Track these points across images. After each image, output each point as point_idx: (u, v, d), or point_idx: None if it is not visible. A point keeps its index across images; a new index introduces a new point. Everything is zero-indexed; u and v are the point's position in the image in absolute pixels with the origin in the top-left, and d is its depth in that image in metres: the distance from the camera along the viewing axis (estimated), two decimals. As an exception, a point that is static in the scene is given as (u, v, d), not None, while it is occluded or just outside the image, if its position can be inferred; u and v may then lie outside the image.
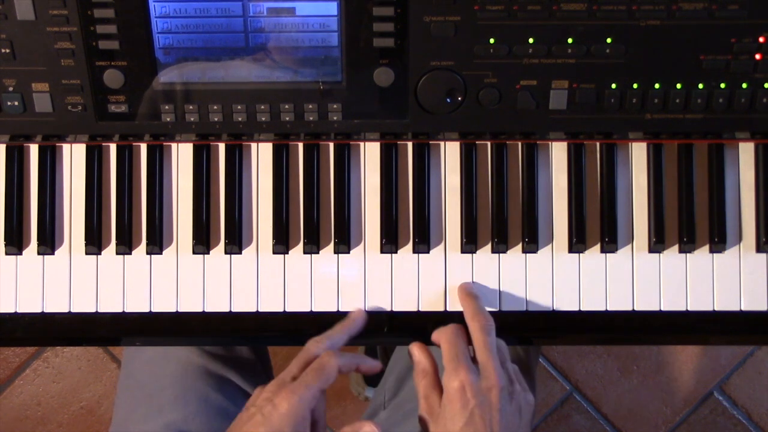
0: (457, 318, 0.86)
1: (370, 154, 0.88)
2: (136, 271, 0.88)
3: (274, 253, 0.88)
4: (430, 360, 0.83)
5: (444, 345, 0.81)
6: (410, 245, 0.88)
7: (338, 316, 0.88)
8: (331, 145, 0.88)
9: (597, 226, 0.88)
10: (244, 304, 0.88)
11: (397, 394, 1.04)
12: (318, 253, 0.88)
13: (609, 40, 0.79)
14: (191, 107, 0.82)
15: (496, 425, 0.77)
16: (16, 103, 0.81)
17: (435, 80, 0.81)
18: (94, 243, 0.87)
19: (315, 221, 0.87)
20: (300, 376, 0.79)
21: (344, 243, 0.87)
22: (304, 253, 0.88)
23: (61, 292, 0.88)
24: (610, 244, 0.87)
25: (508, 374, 0.80)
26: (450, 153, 0.88)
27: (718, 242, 0.87)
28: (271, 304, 0.88)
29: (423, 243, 0.87)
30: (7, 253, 0.88)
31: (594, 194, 0.88)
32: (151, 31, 0.79)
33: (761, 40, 0.78)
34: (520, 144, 0.88)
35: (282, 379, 0.79)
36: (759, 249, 0.87)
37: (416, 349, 0.84)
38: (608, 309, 0.88)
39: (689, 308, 0.87)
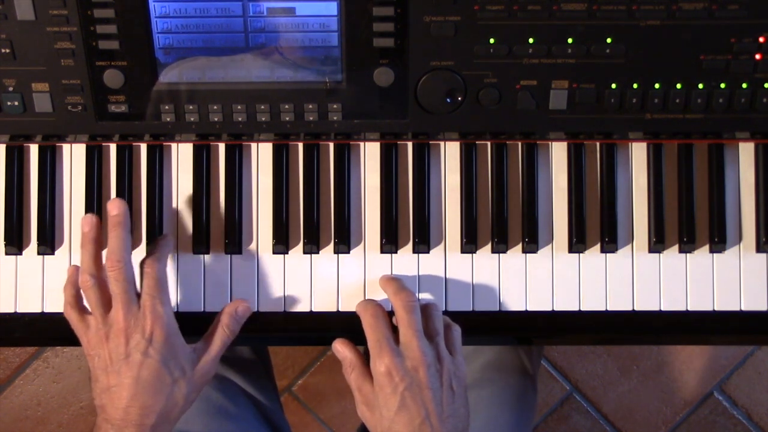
0: (456, 318, 0.86)
1: (370, 154, 0.88)
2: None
3: (274, 253, 0.88)
4: (354, 352, 0.82)
5: (366, 330, 0.80)
6: (410, 245, 0.88)
7: (338, 316, 0.88)
8: (331, 145, 0.88)
9: (597, 226, 0.88)
10: (244, 304, 0.88)
11: None
12: (318, 253, 0.88)
13: (609, 40, 0.79)
14: (191, 107, 0.82)
15: (430, 403, 0.76)
16: (16, 103, 0.81)
17: (435, 80, 0.81)
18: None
19: (315, 221, 0.87)
20: (142, 297, 0.80)
21: (344, 243, 0.87)
22: (304, 253, 0.88)
23: (60, 292, 0.87)
24: (610, 244, 0.87)
25: (436, 350, 0.79)
26: (450, 153, 0.88)
27: (718, 242, 0.87)
28: (271, 304, 0.88)
29: (423, 243, 0.87)
30: (7, 253, 0.88)
31: (594, 194, 0.88)
32: (151, 31, 0.79)
33: (761, 40, 0.78)
34: (520, 144, 0.88)
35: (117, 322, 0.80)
36: (759, 249, 0.87)
37: (338, 345, 0.83)
38: (608, 309, 0.88)
39: (689, 308, 0.87)
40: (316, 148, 0.88)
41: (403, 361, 0.77)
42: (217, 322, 0.85)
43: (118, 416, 0.78)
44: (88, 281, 0.80)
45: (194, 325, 0.86)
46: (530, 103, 0.82)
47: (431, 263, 0.88)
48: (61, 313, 0.87)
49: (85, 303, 0.83)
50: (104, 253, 0.82)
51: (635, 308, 0.88)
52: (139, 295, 0.81)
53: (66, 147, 0.88)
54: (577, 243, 0.87)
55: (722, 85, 0.80)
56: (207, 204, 0.88)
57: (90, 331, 0.81)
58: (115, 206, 0.82)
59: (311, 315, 0.88)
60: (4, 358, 1.77)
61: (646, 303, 0.87)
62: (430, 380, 0.77)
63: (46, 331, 0.89)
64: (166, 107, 0.82)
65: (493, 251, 0.87)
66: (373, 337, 0.79)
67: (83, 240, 0.82)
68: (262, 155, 0.88)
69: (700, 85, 0.80)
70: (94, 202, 0.87)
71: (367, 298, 0.87)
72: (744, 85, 0.80)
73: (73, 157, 0.88)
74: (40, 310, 0.88)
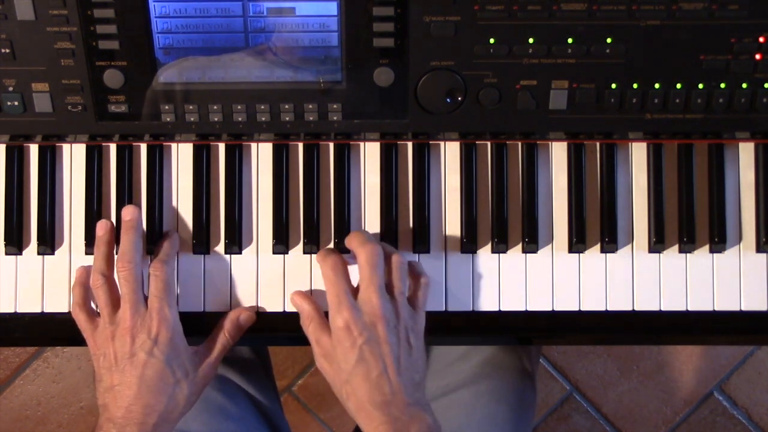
0: (455, 318, 0.85)
1: (370, 154, 0.88)
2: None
3: (274, 253, 0.88)
4: (312, 304, 0.83)
5: (325, 283, 0.81)
6: (410, 245, 0.88)
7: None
8: (331, 145, 0.88)
9: (597, 226, 0.87)
10: (244, 303, 0.88)
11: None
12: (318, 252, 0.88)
13: (609, 40, 0.79)
14: (191, 107, 0.82)
15: (388, 357, 0.77)
16: (16, 103, 0.81)
17: (435, 80, 0.81)
18: (94, 243, 0.86)
19: (315, 221, 0.87)
20: (149, 299, 0.82)
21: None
22: (304, 253, 0.88)
23: (61, 292, 0.88)
24: (610, 244, 0.87)
25: (394, 304, 0.79)
26: (450, 153, 0.88)
27: (718, 242, 0.87)
28: (271, 303, 0.88)
29: (423, 243, 0.87)
30: (7, 253, 0.88)
31: (594, 194, 0.88)
32: (151, 31, 0.79)
33: (761, 40, 0.78)
34: (520, 144, 0.88)
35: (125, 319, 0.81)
36: (759, 249, 0.87)
37: (296, 297, 0.84)
38: (608, 309, 0.88)
39: (689, 308, 0.87)
40: (316, 148, 0.88)
41: (362, 316, 0.78)
42: (220, 327, 0.86)
43: (120, 415, 0.78)
44: (99, 280, 0.82)
45: (194, 325, 0.86)
46: (530, 103, 0.82)
47: (431, 263, 0.87)
48: (61, 313, 0.87)
49: (93, 304, 0.84)
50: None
51: (635, 308, 0.88)
52: (146, 297, 0.82)
53: (66, 147, 0.88)
54: (577, 243, 0.87)
55: (722, 85, 0.80)
56: (207, 204, 0.88)
57: (96, 331, 0.82)
58: (128, 212, 0.85)
59: (311, 315, 0.88)
60: (4, 358, 1.77)
61: (646, 303, 0.87)
62: (388, 335, 0.78)
63: (46, 331, 0.89)
64: (166, 107, 0.82)
65: (493, 251, 0.87)
66: (332, 290, 0.80)
67: (97, 242, 0.85)
68: (262, 155, 0.88)
69: (700, 85, 0.80)
70: (94, 202, 0.87)
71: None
72: (744, 85, 0.80)
73: (73, 157, 0.88)
74: (40, 310, 0.88)
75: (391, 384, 0.77)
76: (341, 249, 0.86)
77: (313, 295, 0.86)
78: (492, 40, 0.79)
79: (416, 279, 0.83)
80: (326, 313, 0.82)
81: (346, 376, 0.78)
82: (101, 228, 0.86)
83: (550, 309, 0.87)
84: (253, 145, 0.88)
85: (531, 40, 0.79)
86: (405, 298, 0.81)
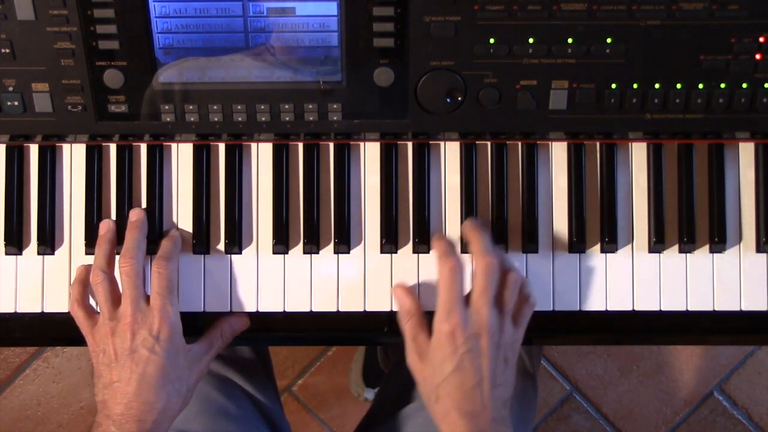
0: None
1: (370, 154, 0.88)
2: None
3: (274, 253, 0.88)
4: (414, 301, 0.83)
5: (441, 283, 0.80)
6: (410, 245, 0.88)
7: (338, 316, 0.88)
8: (331, 145, 0.88)
9: (597, 226, 0.88)
10: (244, 304, 0.88)
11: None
12: (318, 253, 0.88)
13: (609, 40, 0.79)
14: (191, 107, 0.82)
15: (486, 371, 0.77)
16: (16, 103, 0.81)
17: (435, 80, 0.81)
18: (94, 243, 0.86)
19: (315, 221, 0.87)
20: (152, 296, 0.82)
21: (344, 243, 0.87)
22: (304, 253, 0.88)
23: (61, 292, 0.88)
24: (610, 244, 0.87)
25: (501, 320, 0.79)
26: (450, 153, 0.88)
27: (718, 242, 0.87)
28: (271, 303, 0.88)
29: (423, 243, 0.87)
30: (7, 253, 0.88)
31: (594, 194, 0.88)
32: (151, 31, 0.79)
33: (761, 40, 0.78)
34: (520, 144, 0.88)
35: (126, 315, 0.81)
36: (759, 249, 0.87)
37: (400, 291, 0.84)
38: (608, 309, 0.88)
39: (689, 308, 0.87)
40: (316, 148, 0.88)
41: (469, 326, 0.78)
42: (216, 327, 0.86)
43: (119, 411, 0.78)
44: (99, 276, 0.83)
45: (194, 325, 0.87)
46: (530, 103, 0.82)
47: (431, 263, 0.87)
48: (61, 313, 0.87)
49: (92, 301, 0.84)
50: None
51: (635, 308, 0.88)
52: (148, 295, 0.83)
53: (66, 147, 0.88)
54: (578, 243, 0.87)
55: (722, 85, 0.80)
56: (207, 204, 0.88)
57: (95, 328, 0.83)
58: (134, 213, 0.86)
59: (311, 315, 0.88)
60: (4, 358, 1.77)
61: (646, 303, 0.87)
62: (489, 349, 0.78)
63: (46, 331, 0.89)
64: (166, 107, 0.82)
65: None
66: (447, 294, 0.79)
67: (99, 240, 0.85)
68: (262, 155, 0.88)
69: (700, 85, 0.80)
70: (94, 202, 0.87)
71: (368, 297, 0.87)
72: (744, 85, 0.80)
73: (73, 157, 0.88)
74: (40, 310, 0.88)
75: (483, 397, 0.77)
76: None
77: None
78: (492, 40, 0.79)
79: (524, 297, 0.83)
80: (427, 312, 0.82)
81: (439, 381, 0.78)
82: (104, 227, 0.86)
83: (550, 309, 0.87)
84: (253, 145, 0.88)
85: (531, 40, 0.79)
86: (511, 315, 0.81)
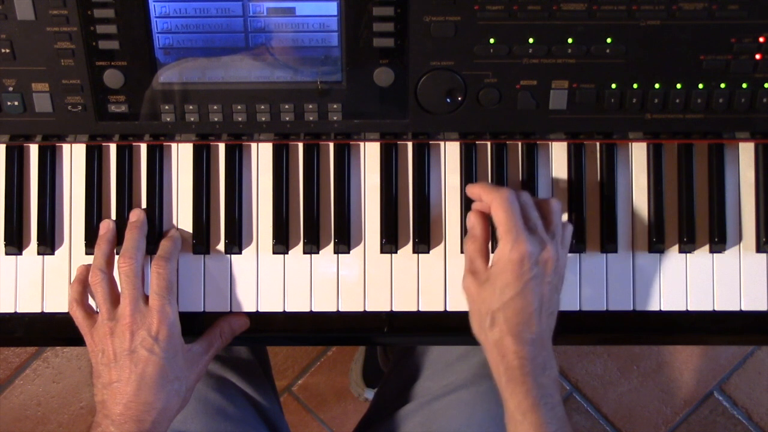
0: (456, 318, 0.85)
1: (370, 154, 0.88)
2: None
3: (274, 253, 0.88)
4: (484, 229, 0.82)
5: (500, 214, 0.79)
6: (410, 245, 0.88)
7: (338, 316, 0.88)
8: (331, 145, 0.88)
9: (597, 226, 0.87)
10: (244, 304, 0.88)
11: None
12: (318, 253, 0.88)
13: (609, 40, 0.79)
14: (191, 107, 0.82)
15: (546, 297, 0.78)
16: (16, 103, 0.81)
17: (435, 80, 0.81)
18: (94, 243, 0.86)
19: (315, 221, 0.87)
20: (150, 296, 0.82)
21: (344, 243, 0.87)
22: (304, 253, 0.88)
23: (61, 293, 0.88)
24: (610, 244, 0.87)
25: (556, 248, 0.79)
26: (450, 153, 0.88)
27: (718, 242, 0.87)
28: (270, 304, 0.88)
29: (423, 243, 0.87)
30: (7, 253, 0.88)
31: (594, 194, 0.88)
32: (151, 31, 0.79)
33: (761, 40, 0.78)
34: (520, 144, 0.88)
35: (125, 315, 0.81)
36: (759, 249, 0.87)
37: (473, 216, 0.83)
38: (608, 309, 0.88)
39: (689, 308, 0.87)
40: (316, 148, 0.88)
41: (537, 253, 0.77)
42: (216, 327, 0.86)
43: (118, 411, 0.78)
44: (98, 275, 0.83)
45: (194, 325, 0.87)
46: (530, 103, 0.82)
47: (431, 263, 0.88)
48: (61, 313, 0.87)
49: (91, 301, 0.84)
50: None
51: (635, 308, 0.88)
52: (146, 295, 0.83)
53: (66, 147, 0.88)
54: (577, 243, 0.87)
55: (722, 85, 0.80)
56: (207, 204, 0.88)
57: (94, 327, 0.83)
58: (134, 214, 0.86)
59: (311, 315, 0.88)
60: (4, 358, 1.77)
61: (646, 303, 0.87)
62: (552, 276, 0.78)
63: (46, 331, 0.89)
64: (166, 107, 0.82)
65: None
66: (510, 221, 0.78)
67: (98, 240, 0.86)
68: (262, 155, 0.88)
69: (700, 85, 0.80)
70: (94, 202, 0.87)
71: (368, 297, 0.87)
72: (744, 85, 0.80)
73: (73, 157, 0.88)
74: (40, 310, 0.88)
75: (540, 323, 0.77)
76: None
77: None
78: (492, 40, 0.79)
79: (565, 225, 0.83)
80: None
81: (498, 305, 0.77)
82: (104, 227, 0.86)
83: (550, 309, 0.87)
84: (253, 145, 0.88)
85: (531, 40, 0.79)
86: (560, 242, 0.81)
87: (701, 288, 0.87)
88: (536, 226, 0.79)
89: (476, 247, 0.81)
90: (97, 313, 0.83)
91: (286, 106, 0.82)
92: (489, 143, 0.88)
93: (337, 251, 0.88)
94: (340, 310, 0.88)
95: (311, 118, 0.82)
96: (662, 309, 0.87)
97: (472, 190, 0.84)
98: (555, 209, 0.81)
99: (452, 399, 1.00)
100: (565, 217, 0.87)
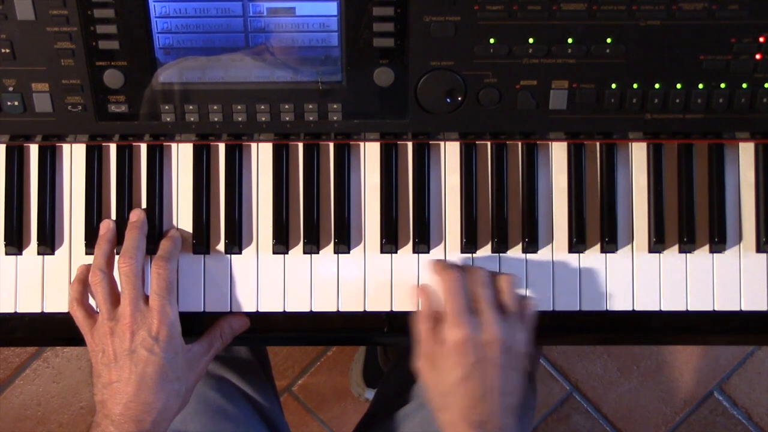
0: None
1: (370, 154, 0.88)
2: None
3: (274, 253, 0.88)
4: (433, 306, 0.82)
5: (447, 295, 0.80)
6: (410, 245, 0.88)
7: (338, 316, 0.88)
8: (331, 145, 0.88)
9: (597, 226, 0.87)
10: (244, 304, 0.88)
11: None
12: (318, 253, 0.88)
13: (609, 40, 0.79)
14: (191, 107, 0.82)
15: (495, 380, 0.77)
16: (16, 103, 0.81)
17: (435, 80, 0.81)
18: (94, 243, 0.86)
19: (315, 221, 0.87)
20: (150, 297, 0.82)
21: (344, 243, 0.87)
22: (304, 253, 0.88)
23: (61, 293, 0.88)
24: (610, 244, 0.87)
25: (509, 328, 0.79)
26: (450, 153, 0.88)
27: (718, 242, 0.87)
28: (270, 303, 0.88)
29: (423, 243, 0.87)
30: (7, 253, 0.88)
31: (594, 194, 0.88)
32: (151, 31, 0.79)
33: (761, 40, 0.78)
34: (520, 144, 0.88)
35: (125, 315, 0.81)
36: (759, 249, 0.87)
37: (423, 292, 0.83)
38: (608, 309, 0.88)
39: (689, 308, 0.87)
40: (316, 148, 0.88)
41: (479, 336, 0.77)
42: (216, 327, 0.86)
43: (118, 411, 0.78)
44: (98, 275, 0.83)
45: (194, 325, 0.87)
46: (530, 103, 0.82)
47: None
48: (61, 313, 0.87)
49: (91, 301, 0.84)
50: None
51: (635, 308, 0.88)
52: (146, 295, 0.83)
53: (66, 147, 0.88)
54: (577, 243, 0.87)
55: (722, 85, 0.80)
56: (207, 204, 0.88)
57: (94, 327, 0.83)
58: (134, 213, 0.86)
59: (311, 315, 0.88)
60: (4, 358, 1.77)
61: (646, 303, 0.87)
62: (500, 357, 0.77)
63: (46, 331, 0.89)
64: (166, 107, 0.82)
65: (493, 251, 0.87)
66: (455, 302, 0.79)
67: (99, 240, 0.86)
68: (262, 155, 0.88)
69: (700, 85, 0.80)
70: (94, 202, 0.87)
71: (368, 297, 0.87)
72: (744, 85, 0.80)
73: (73, 157, 0.88)
74: (40, 310, 0.88)
75: (491, 407, 0.77)
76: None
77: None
78: (492, 40, 0.79)
79: (522, 302, 0.83)
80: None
81: (446, 389, 0.78)
82: (104, 227, 0.86)
83: (550, 309, 0.87)
84: (253, 145, 0.88)
85: (531, 40, 0.79)
86: (518, 317, 0.80)
87: (701, 288, 0.87)
88: (486, 306, 0.79)
89: (428, 328, 0.81)
90: (98, 313, 0.83)
91: (286, 106, 0.82)
92: (489, 143, 0.88)
93: (337, 251, 0.88)
94: (340, 310, 0.88)
95: (311, 118, 0.82)
96: (662, 309, 0.87)
97: (430, 267, 0.85)
98: (506, 285, 0.81)
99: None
100: (527, 291, 0.87)
